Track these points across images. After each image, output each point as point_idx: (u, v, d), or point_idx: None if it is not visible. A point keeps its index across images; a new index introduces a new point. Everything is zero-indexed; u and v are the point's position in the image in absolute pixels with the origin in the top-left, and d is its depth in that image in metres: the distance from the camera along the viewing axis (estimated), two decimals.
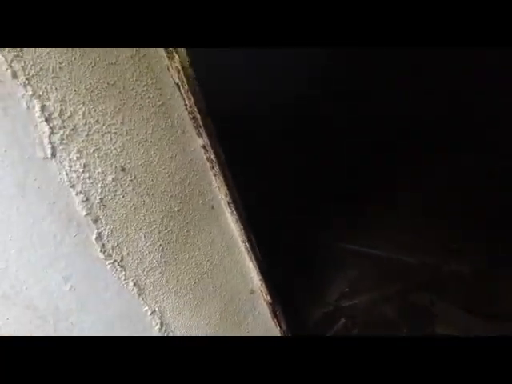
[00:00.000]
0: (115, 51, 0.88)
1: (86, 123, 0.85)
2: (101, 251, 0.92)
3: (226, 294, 1.26)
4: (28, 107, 0.76)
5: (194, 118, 1.04)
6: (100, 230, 0.91)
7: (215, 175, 1.13)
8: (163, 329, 1.09)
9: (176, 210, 1.06)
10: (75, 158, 0.85)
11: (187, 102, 1.03)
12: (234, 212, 1.18)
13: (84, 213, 0.88)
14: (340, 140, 3.20)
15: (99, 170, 0.89)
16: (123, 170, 0.93)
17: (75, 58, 0.81)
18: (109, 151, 0.90)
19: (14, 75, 0.73)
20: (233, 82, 3.37)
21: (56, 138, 0.81)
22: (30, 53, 0.75)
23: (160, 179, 1.01)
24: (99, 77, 0.86)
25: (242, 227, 1.21)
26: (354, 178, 2.93)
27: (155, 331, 1.08)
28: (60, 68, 0.79)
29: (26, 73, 0.75)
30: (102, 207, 0.90)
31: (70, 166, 0.84)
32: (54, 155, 0.81)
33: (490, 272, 1.77)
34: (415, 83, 3.02)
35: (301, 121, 3.47)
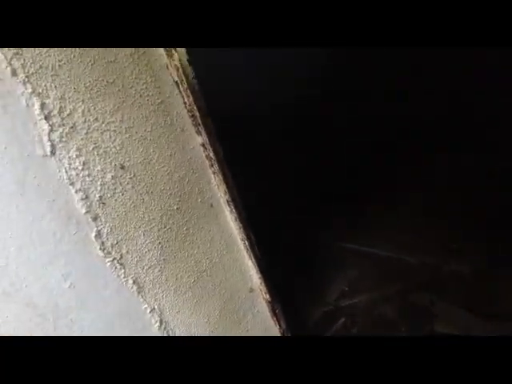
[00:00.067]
0: (114, 49, 0.88)
1: (85, 121, 0.85)
2: (100, 249, 0.92)
3: (226, 292, 1.26)
4: (27, 105, 0.77)
5: (193, 116, 1.05)
6: (99, 228, 0.91)
7: (214, 173, 1.13)
8: (162, 327, 1.10)
9: (175, 208, 1.06)
10: (74, 156, 0.85)
11: (186, 100, 1.03)
12: (233, 210, 1.18)
13: (83, 210, 0.88)
14: (340, 140, 3.21)
15: (98, 167, 0.89)
16: (122, 167, 0.93)
17: (74, 56, 0.82)
18: (108, 149, 0.90)
19: (14, 73, 0.74)
20: (233, 82, 3.37)
21: (55, 136, 0.81)
22: (29, 51, 0.75)
23: (159, 177, 1.01)
24: (98, 75, 0.86)
25: (241, 225, 1.21)
26: (354, 177, 2.93)
27: (154, 329, 1.08)
28: (59, 66, 0.80)
29: (26, 71, 0.75)
30: (101, 205, 0.91)
31: (70, 164, 0.84)
32: (53, 153, 0.81)
33: (490, 272, 1.76)
34: (415, 83, 3.02)
35: (301, 120, 3.47)
